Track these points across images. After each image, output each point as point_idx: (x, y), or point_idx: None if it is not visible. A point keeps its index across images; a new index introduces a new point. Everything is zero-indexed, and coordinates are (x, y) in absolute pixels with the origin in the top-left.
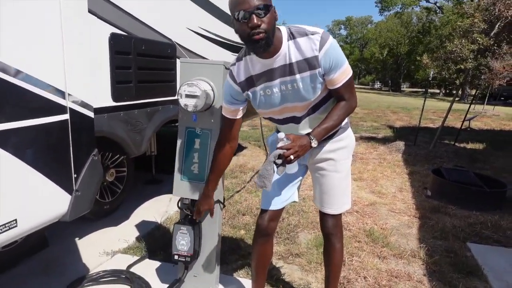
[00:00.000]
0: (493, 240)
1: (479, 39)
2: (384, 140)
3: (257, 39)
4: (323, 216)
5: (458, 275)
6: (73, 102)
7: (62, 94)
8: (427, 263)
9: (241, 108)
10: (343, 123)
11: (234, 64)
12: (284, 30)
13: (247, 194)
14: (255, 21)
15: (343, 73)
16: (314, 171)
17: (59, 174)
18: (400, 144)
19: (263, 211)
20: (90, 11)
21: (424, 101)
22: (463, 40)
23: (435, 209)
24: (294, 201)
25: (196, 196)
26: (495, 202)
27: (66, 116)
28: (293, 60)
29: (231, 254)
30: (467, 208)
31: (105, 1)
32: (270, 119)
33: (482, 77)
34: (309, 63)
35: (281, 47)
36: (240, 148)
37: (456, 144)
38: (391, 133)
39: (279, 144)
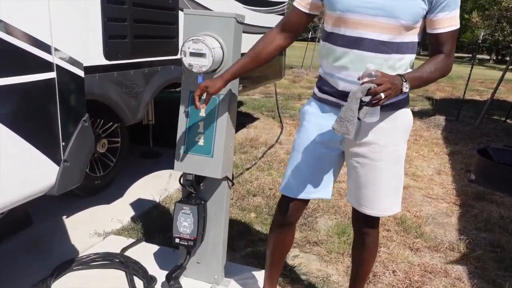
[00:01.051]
0: None
1: None
2: (421, 114)
3: None
4: (358, 214)
5: (504, 273)
6: (61, 58)
7: (47, 48)
8: (468, 258)
9: (316, 2)
10: (403, 95)
11: None
12: None
13: (258, 172)
14: None
15: (452, 18)
16: (351, 156)
17: (45, 141)
18: (440, 119)
19: (286, 199)
20: None
21: (471, 69)
22: None
23: (480, 195)
24: (326, 198)
25: (201, 172)
26: None
27: (52, 75)
28: None
29: (240, 239)
30: None
31: None
32: (336, 39)
33: None
34: None
35: None
36: (251, 119)
37: (508, 120)
38: (430, 106)
39: (366, 79)
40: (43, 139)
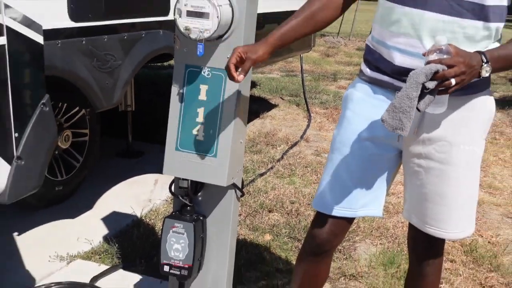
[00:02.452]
0: None
1: None
2: (503, 103)
3: None
4: (418, 235)
5: None
6: (13, 18)
7: None
8: None
9: None
10: (483, 79)
11: None
12: None
13: (276, 179)
14: None
15: None
16: (411, 158)
17: None
18: None
19: (323, 217)
20: None
21: None
22: None
23: None
24: (376, 216)
25: (200, 177)
26: None
27: (2, 40)
28: None
29: (250, 269)
30: None
31: None
32: None
33: None
34: None
35: None
36: (267, 106)
37: None
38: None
39: (434, 56)
40: None
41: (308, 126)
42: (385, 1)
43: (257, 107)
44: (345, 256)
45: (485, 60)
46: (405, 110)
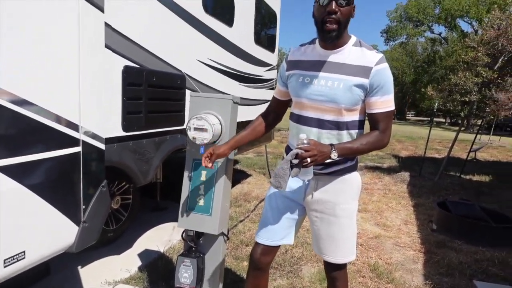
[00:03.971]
0: (501, 278)
1: (483, 73)
2: (389, 170)
3: (329, 30)
4: (325, 260)
5: None
6: (86, 134)
7: (76, 127)
8: None
9: (284, 90)
10: (350, 163)
11: (296, 47)
12: (354, 37)
13: (251, 223)
14: (333, 7)
15: (387, 101)
16: (311, 213)
17: (68, 206)
18: (405, 175)
19: (258, 245)
20: (106, 46)
21: (429, 131)
22: (467, 73)
23: (441, 243)
24: (288, 244)
25: (201, 228)
26: (502, 238)
27: (78, 149)
28: (349, 62)
29: (234, 287)
30: (473, 243)
31: (120, 36)
32: (295, 117)
33: (487, 109)
34: (361, 71)
35: (344, 46)
36: (245, 175)
37: (462, 176)
38: (396, 163)
39: (299, 145)
40: (66, 203)
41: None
42: (291, 121)
43: (238, 176)
44: (294, 275)
45: (334, 149)
46: (281, 176)
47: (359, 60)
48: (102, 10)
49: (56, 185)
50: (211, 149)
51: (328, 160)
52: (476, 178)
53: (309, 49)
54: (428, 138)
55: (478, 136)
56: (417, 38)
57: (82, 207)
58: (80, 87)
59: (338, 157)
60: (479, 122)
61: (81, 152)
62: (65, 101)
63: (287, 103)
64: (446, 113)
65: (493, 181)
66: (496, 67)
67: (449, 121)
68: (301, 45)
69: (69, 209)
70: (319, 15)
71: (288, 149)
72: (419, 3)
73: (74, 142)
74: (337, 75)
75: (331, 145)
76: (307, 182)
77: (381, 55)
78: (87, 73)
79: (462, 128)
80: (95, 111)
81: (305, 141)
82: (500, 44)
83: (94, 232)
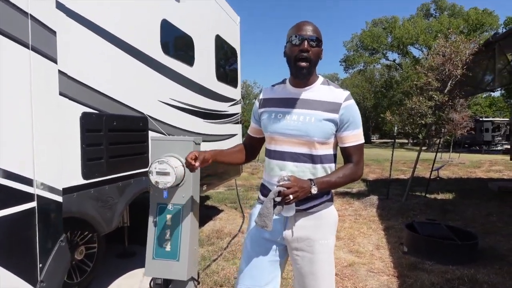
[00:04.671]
0: None
1: (435, 96)
2: (359, 195)
3: (301, 66)
4: None
5: None
6: (41, 187)
7: (29, 181)
8: None
9: (257, 127)
10: (326, 197)
11: (268, 87)
12: (321, 77)
13: (224, 262)
14: (306, 46)
15: (357, 135)
16: (291, 250)
17: (23, 266)
18: (374, 199)
19: None
20: (62, 94)
21: (392, 153)
22: (421, 98)
23: (413, 266)
24: None
25: (169, 275)
26: (468, 255)
27: (33, 204)
28: (318, 99)
29: None
30: (442, 262)
31: (76, 83)
32: (270, 153)
33: (442, 130)
34: (331, 106)
35: (313, 84)
36: (216, 211)
37: (427, 195)
38: (365, 187)
39: (280, 182)
40: (20, 263)
41: (243, 222)
42: (266, 157)
43: (210, 212)
44: None
45: (313, 184)
46: (266, 215)
47: (328, 96)
48: (54, 61)
49: (8, 245)
50: (195, 151)
51: (308, 195)
52: (440, 196)
53: (280, 88)
54: (392, 160)
55: (439, 154)
56: (374, 65)
57: (39, 265)
58: (34, 138)
59: (317, 191)
60: (438, 141)
61: (36, 207)
62: (16, 155)
63: (261, 140)
64: (406, 135)
65: (456, 198)
66: (446, 91)
67: (411, 141)
68: (273, 85)
69: (24, 270)
70: (291, 53)
71: (263, 187)
72: (373, 33)
73: (27, 197)
74: (308, 111)
75: (311, 180)
76: (287, 218)
77: (348, 92)
78: (40, 124)
79: (424, 148)
80: (51, 162)
81: (285, 178)
82: (447, 69)
83: None
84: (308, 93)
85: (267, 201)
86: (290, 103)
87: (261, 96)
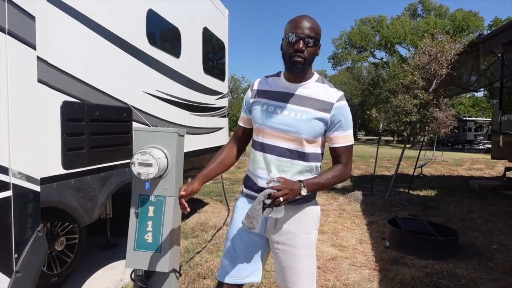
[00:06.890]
0: None
1: (420, 95)
2: (343, 190)
3: (296, 61)
4: None
5: None
6: (17, 176)
7: (5, 170)
8: None
9: (248, 117)
10: (309, 198)
11: (262, 78)
12: (316, 74)
13: (208, 254)
14: (301, 46)
15: (347, 137)
16: (273, 245)
17: None
18: (358, 194)
19: (219, 283)
20: (40, 81)
21: (377, 150)
22: (406, 96)
23: (394, 260)
24: (256, 281)
25: (150, 267)
26: (448, 250)
27: (8, 193)
28: (312, 97)
29: None
30: (423, 257)
31: (57, 71)
32: (256, 145)
33: (426, 128)
34: (323, 106)
35: (308, 81)
36: (201, 204)
37: (410, 192)
38: (350, 183)
39: (270, 184)
40: None
41: (227, 216)
42: (252, 148)
43: (195, 205)
44: None
45: (302, 185)
46: (254, 217)
47: (321, 95)
48: (33, 47)
49: None
50: (182, 189)
51: (298, 197)
52: (423, 193)
53: (274, 81)
54: (377, 157)
55: (423, 152)
56: (362, 63)
57: (14, 256)
58: (10, 126)
59: (307, 192)
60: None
61: (11, 196)
62: None
63: (252, 131)
64: (391, 132)
65: (438, 195)
66: (431, 90)
67: (396, 139)
68: (267, 77)
69: None
70: (287, 50)
71: (247, 179)
72: (361, 31)
73: (3, 186)
74: (300, 107)
75: (300, 181)
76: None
77: (341, 93)
78: (17, 111)
79: (408, 146)
80: (28, 151)
81: (275, 179)
82: (432, 69)
83: (29, 282)
84: (302, 90)
85: (256, 203)
86: (283, 97)
87: (254, 87)
